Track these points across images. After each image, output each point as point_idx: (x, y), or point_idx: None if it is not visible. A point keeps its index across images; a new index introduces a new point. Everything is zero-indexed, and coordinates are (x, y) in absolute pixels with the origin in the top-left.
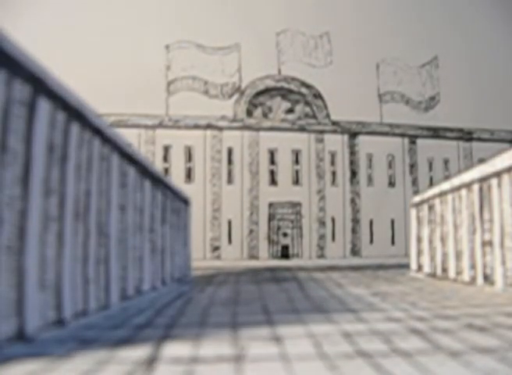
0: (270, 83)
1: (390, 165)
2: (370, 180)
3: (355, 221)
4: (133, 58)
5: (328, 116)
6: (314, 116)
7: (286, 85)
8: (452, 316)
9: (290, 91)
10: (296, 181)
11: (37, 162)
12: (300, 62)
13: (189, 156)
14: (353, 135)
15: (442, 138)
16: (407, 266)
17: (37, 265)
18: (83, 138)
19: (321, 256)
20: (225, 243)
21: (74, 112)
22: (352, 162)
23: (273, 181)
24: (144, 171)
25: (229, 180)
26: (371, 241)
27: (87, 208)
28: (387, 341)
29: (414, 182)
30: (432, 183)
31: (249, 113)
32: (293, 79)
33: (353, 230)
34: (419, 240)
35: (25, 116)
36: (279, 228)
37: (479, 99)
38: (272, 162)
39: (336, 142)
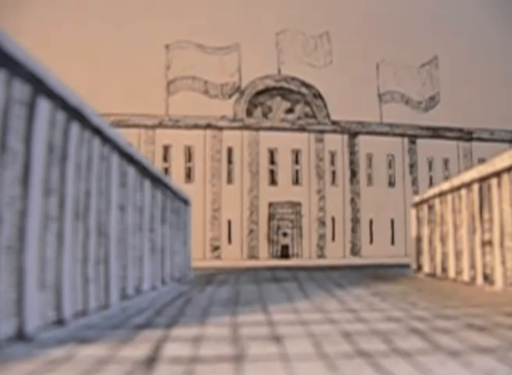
0: (270, 83)
1: (390, 165)
2: (370, 180)
3: (355, 221)
4: (133, 58)
5: (328, 115)
6: (314, 116)
7: (285, 85)
8: (452, 315)
9: (290, 91)
10: (296, 181)
11: (37, 162)
12: (300, 62)
13: (189, 156)
14: (353, 135)
15: (442, 138)
16: (406, 266)
17: (37, 265)
18: (83, 138)
19: (321, 256)
20: (225, 243)
21: (74, 112)
22: (352, 162)
23: (273, 181)
24: (144, 171)
25: (229, 180)
26: (371, 240)
27: (86, 208)
28: (387, 341)
29: (414, 182)
30: (431, 183)
31: (249, 113)
32: (293, 79)
33: (353, 230)
34: (419, 240)
35: (25, 116)
36: (278, 228)
37: (479, 99)
38: (272, 162)
39: (335, 142)
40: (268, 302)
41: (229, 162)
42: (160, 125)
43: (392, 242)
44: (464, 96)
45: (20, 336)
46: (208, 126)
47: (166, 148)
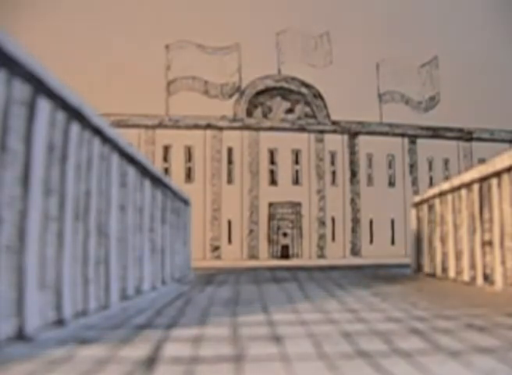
0: (270, 83)
1: (390, 165)
2: (370, 180)
3: (355, 221)
4: (133, 58)
5: (328, 115)
6: (314, 116)
7: (285, 85)
8: (452, 316)
9: (290, 91)
10: (296, 181)
11: (37, 162)
12: (300, 62)
13: (189, 156)
14: (353, 135)
15: (442, 138)
16: (407, 266)
17: (37, 265)
18: (83, 138)
19: (321, 256)
20: (225, 243)
21: (74, 112)
22: (352, 162)
23: (273, 181)
24: (144, 171)
25: (229, 180)
26: (371, 240)
27: (87, 208)
28: (387, 341)
29: (414, 182)
30: (431, 183)
31: (249, 113)
32: (293, 79)
33: (353, 230)
34: (419, 240)
35: (25, 116)
36: (279, 228)
37: (479, 99)
38: (272, 162)
39: (335, 142)
40: (268, 302)
41: (229, 162)
42: (160, 125)
43: (393, 242)
44: (464, 96)
45: (20, 336)
46: (208, 126)
47: (166, 148)
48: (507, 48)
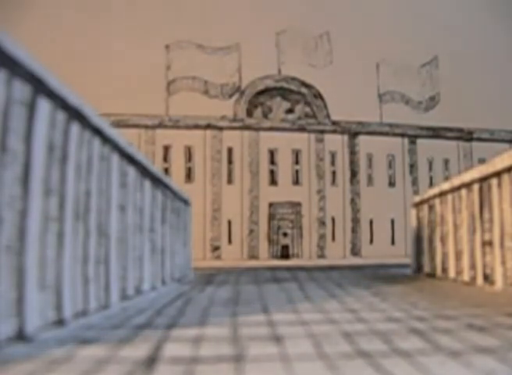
0: (270, 83)
1: (390, 165)
2: (370, 180)
3: (355, 221)
4: (133, 58)
5: (328, 116)
6: (314, 116)
7: (285, 85)
8: (452, 316)
9: (290, 91)
10: (296, 181)
11: (37, 162)
12: (300, 62)
13: (189, 156)
14: (353, 135)
15: (442, 138)
16: (407, 266)
17: (37, 265)
18: (83, 138)
19: (321, 256)
20: (225, 243)
21: (74, 112)
22: (352, 162)
23: (273, 181)
24: (144, 171)
25: (229, 180)
26: (371, 241)
27: (87, 208)
28: (387, 341)
29: (414, 182)
30: (432, 184)
31: (249, 113)
32: (293, 79)
33: (353, 230)
34: (419, 240)
35: (25, 116)
36: (279, 228)
37: (479, 99)
38: (272, 162)
39: (335, 142)
40: (269, 302)
41: (229, 162)
42: (160, 125)
43: (393, 242)
44: (464, 96)
45: (20, 336)
46: (208, 127)
47: (166, 148)
48: (507, 48)
